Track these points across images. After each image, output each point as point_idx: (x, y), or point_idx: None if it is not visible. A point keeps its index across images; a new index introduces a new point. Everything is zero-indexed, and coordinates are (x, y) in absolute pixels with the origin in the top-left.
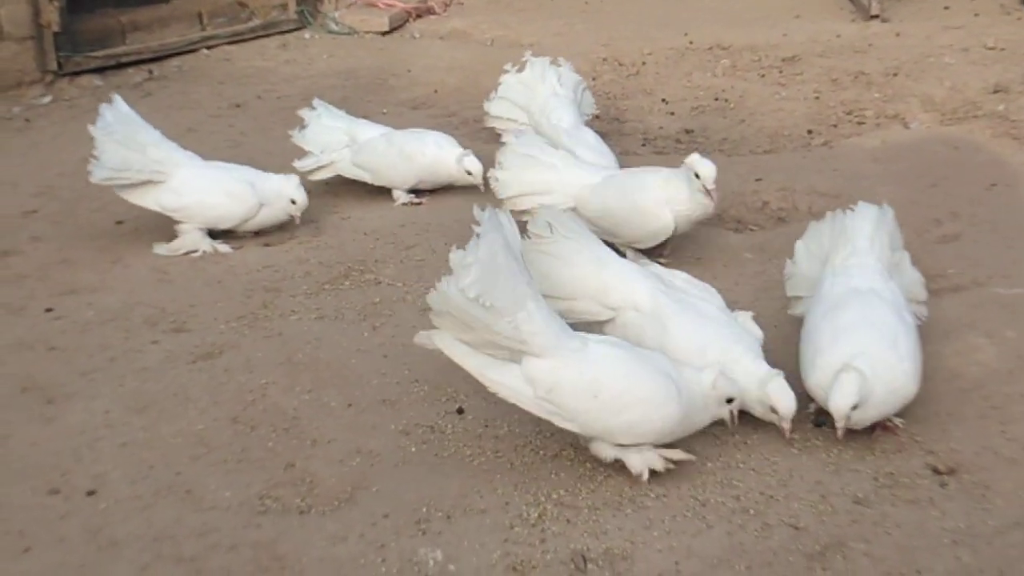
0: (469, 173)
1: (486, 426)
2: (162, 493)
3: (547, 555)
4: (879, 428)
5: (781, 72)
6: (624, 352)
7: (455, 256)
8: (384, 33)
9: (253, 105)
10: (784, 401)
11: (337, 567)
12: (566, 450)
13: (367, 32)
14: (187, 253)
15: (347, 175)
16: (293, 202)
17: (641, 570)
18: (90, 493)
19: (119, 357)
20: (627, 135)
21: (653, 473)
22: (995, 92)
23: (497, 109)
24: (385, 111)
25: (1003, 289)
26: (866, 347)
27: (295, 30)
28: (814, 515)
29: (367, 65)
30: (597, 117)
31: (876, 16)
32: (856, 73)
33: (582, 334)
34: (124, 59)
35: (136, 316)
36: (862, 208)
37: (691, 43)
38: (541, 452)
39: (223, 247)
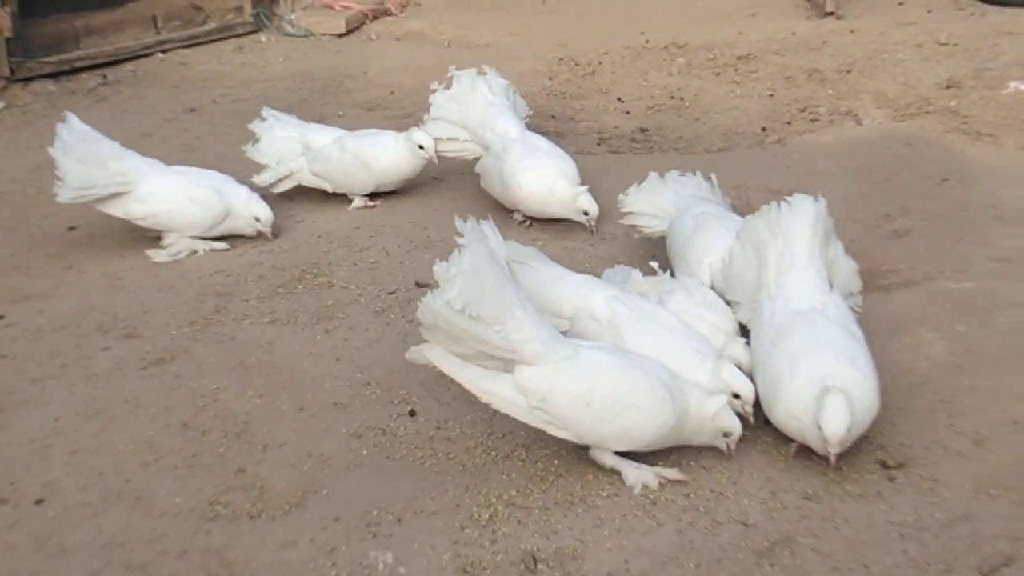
0: (421, 147)
1: (438, 428)
2: (112, 500)
3: (497, 556)
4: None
5: (736, 70)
6: (617, 358)
7: (439, 269)
8: (341, 35)
9: (208, 109)
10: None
11: (287, 572)
12: (517, 451)
13: (323, 34)
14: (187, 255)
15: (308, 184)
16: (257, 219)
17: (591, 569)
18: (39, 501)
19: (70, 364)
20: (582, 135)
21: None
22: (947, 88)
23: (434, 131)
24: (341, 113)
25: (953, 284)
26: (828, 369)
27: (251, 33)
28: (763, 512)
29: (323, 67)
30: (553, 117)
31: (831, 13)
32: (810, 70)
33: (575, 340)
34: (78, 64)
35: (88, 323)
36: (797, 203)
37: (647, 42)
38: (493, 453)
39: (220, 244)
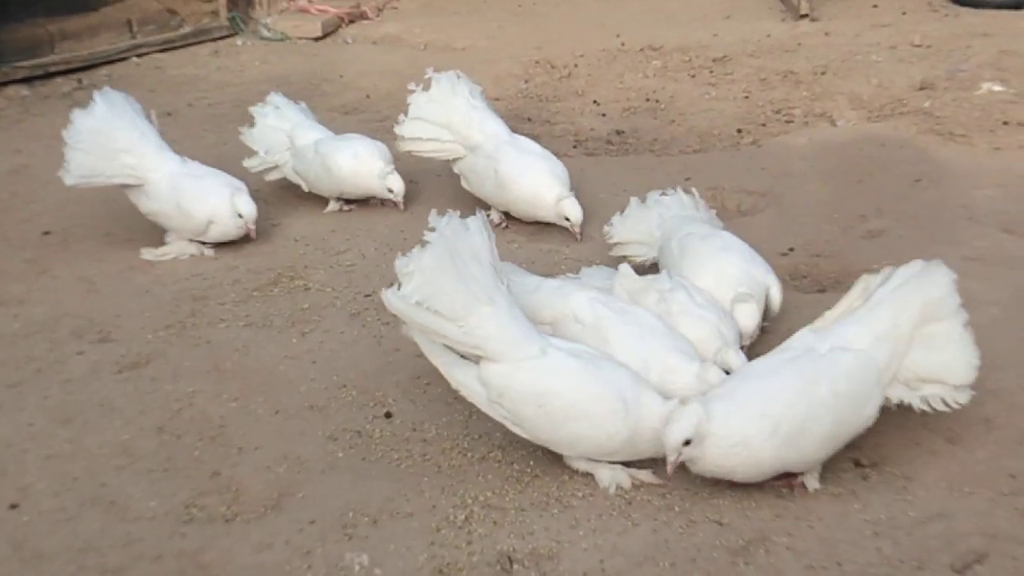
0: (390, 191)
1: (414, 430)
2: (87, 504)
3: (473, 557)
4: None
5: (712, 72)
6: (581, 364)
7: (399, 263)
8: (317, 39)
9: (184, 113)
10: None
11: (263, 574)
12: (494, 452)
13: (300, 38)
14: (175, 258)
15: (291, 179)
16: (240, 215)
17: (566, 569)
18: (13, 506)
19: (45, 368)
20: (558, 137)
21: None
22: (921, 89)
23: (411, 131)
24: (302, 106)
25: None
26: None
27: (227, 37)
28: (738, 511)
29: (299, 71)
30: (529, 120)
31: (806, 15)
32: (785, 72)
33: (549, 339)
34: (52, 69)
35: (62, 327)
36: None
37: (623, 45)
38: (469, 455)
39: (208, 251)
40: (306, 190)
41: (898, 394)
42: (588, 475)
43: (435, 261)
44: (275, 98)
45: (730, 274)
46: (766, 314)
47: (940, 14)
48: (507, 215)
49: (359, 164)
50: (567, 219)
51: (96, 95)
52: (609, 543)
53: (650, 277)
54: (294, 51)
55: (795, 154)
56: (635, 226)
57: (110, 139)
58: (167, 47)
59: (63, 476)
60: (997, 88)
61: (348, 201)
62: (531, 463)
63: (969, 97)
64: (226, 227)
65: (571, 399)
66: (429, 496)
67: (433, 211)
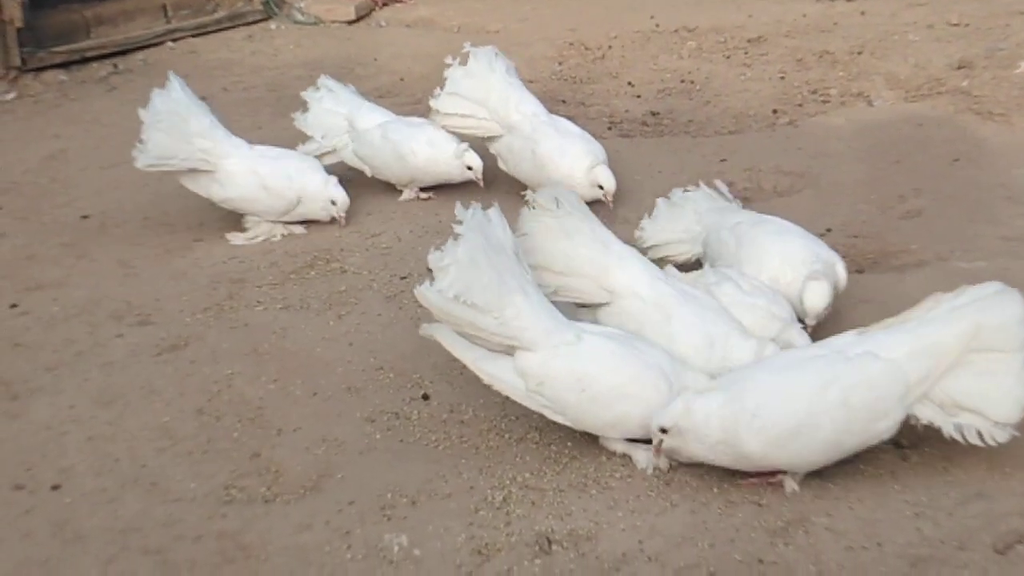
0: (469, 168)
1: (451, 411)
2: (128, 486)
3: (512, 537)
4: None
5: (747, 53)
6: (618, 346)
7: (433, 258)
8: (350, 22)
9: (219, 97)
10: None
11: (302, 555)
12: (531, 433)
13: (333, 21)
14: (265, 240)
15: (350, 164)
16: (333, 203)
17: (605, 549)
18: (55, 487)
19: (85, 352)
20: (593, 119)
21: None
22: (959, 68)
23: (447, 105)
24: (353, 89)
25: (965, 263)
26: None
27: (261, 21)
28: (778, 492)
29: (333, 55)
30: (563, 102)
31: None
32: (821, 52)
33: (580, 324)
34: (88, 54)
35: (101, 310)
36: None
37: (657, 26)
38: (506, 436)
39: (298, 229)
40: (369, 175)
41: (929, 415)
42: (626, 456)
43: (469, 254)
44: (326, 81)
45: (796, 255)
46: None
47: None
48: None
49: (435, 151)
50: (600, 187)
51: (171, 76)
52: (648, 524)
53: (694, 274)
54: (327, 35)
55: (832, 134)
56: (669, 225)
57: (186, 122)
58: (201, 31)
59: (104, 457)
60: None
61: (424, 188)
62: (569, 444)
63: (1008, 76)
64: (313, 205)
65: (613, 380)
66: (467, 477)
67: (458, 203)
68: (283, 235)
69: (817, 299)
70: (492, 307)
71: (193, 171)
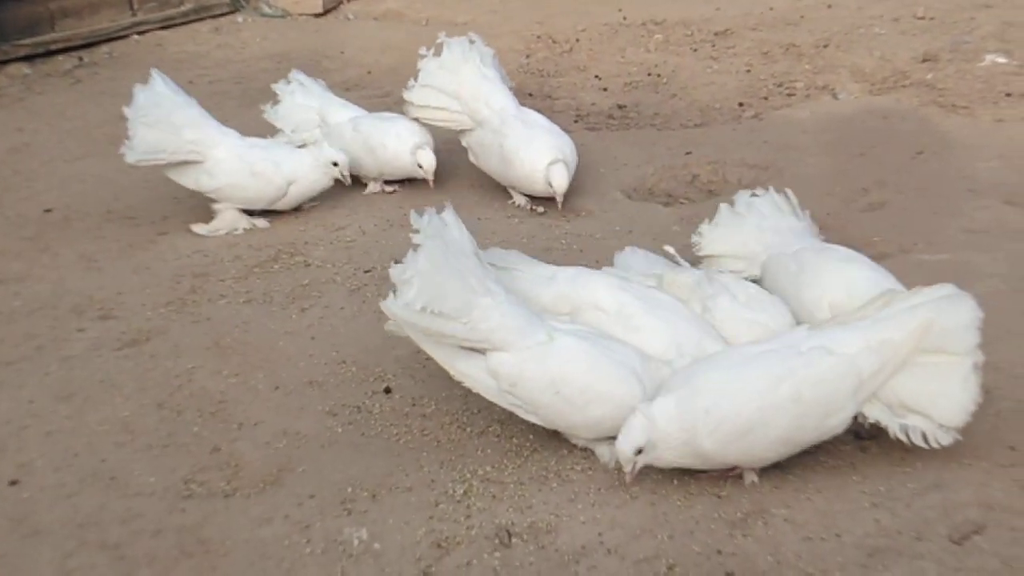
0: (420, 167)
1: (413, 405)
2: (87, 480)
3: (472, 531)
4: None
5: (714, 46)
6: (591, 345)
7: (395, 272)
8: (318, 15)
9: (185, 90)
10: None
11: (262, 549)
12: (493, 427)
13: (300, 14)
14: (227, 232)
15: None
16: (335, 164)
17: (565, 542)
18: (13, 483)
19: (45, 346)
20: (559, 112)
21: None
22: (923, 61)
23: (421, 97)
24: (324, 84)
25: (928, 255)
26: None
27: (228, 14)
28: (737, 484)
29: (300, 47)
30: (530, 95)
31: None
32: (787, 45)
33: (552, 324)
34: (53, 47)
35: (63, 305)
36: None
37: (625, 19)
38: (468, 429)
39: (261, 222)
40: None
41: (877, 414)
42: (587, 450)
43: (430, 263)
44: (298, 75)
45: (860, 286)
46: None
47: None
48: (531, 197)
49: (402, 144)
50: (551, 184)
51: (154, 72)
52: (608, 516)
53: (694, 278)
54: (295, 27)
55: (797, 127)
56: (729, 236)
57: (172, 114)
58: (168, 24)
59: (63, 452)
60: (1000, 60)
61: (388, 182)
62: (530, 437)
63: (972, 69)
64: (307, 184)
65: (589, 381)
66: (428, 471)
67: (412, 211)
68: (245, 229)
69: None
70: (460, 313)
71: (183, 163)
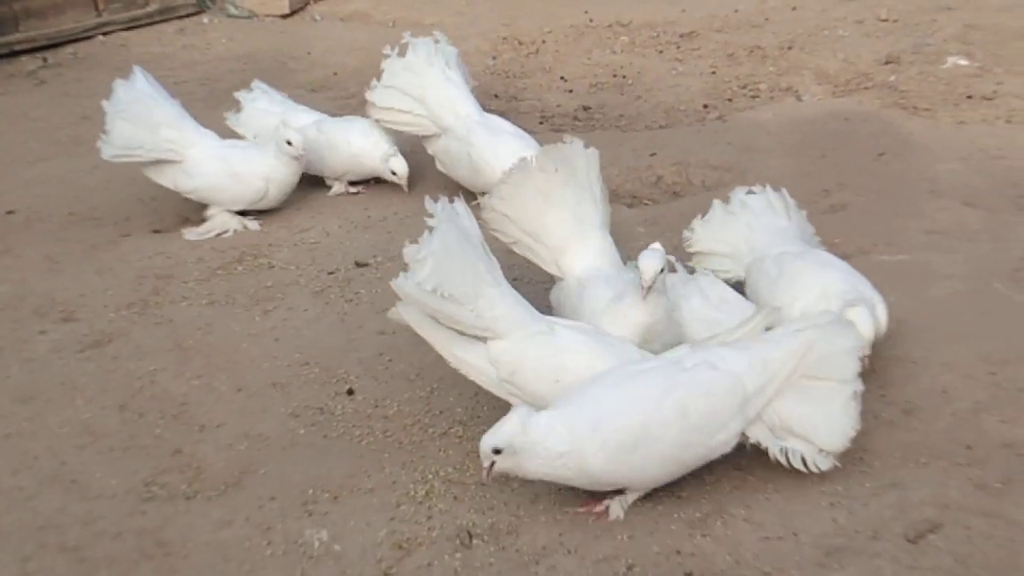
0: (393, 173)
1: (376, 406)
2: (46, 483)
3: (433, 532)
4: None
5: (679, 48)
6: (590, 338)
7: (409, 251)
8: (284, 16)
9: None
10: None
11: (222, 551)
12: (455, 428)
13: (267, 15)
14: (218, 235)
15: None
16: (289, 143)
17: (525, 543)
18: None
19: (6, 348)
20: (525, 113)
21: None
22: (886, 63)
23: (384, 99)
24: (285, 94)
25: (888, 256)
26: None
27: (193, 15)
28: (698, 485)
29: (266, 48)
30: (496, 96)
31: None
32: (752, 47)
33: (550, 318)
34: (17, 47)
35: (25, 307)
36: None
37: (591, 21)
38: (430, 430)
39: (252, 224)
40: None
41: (758, 435)
42: None
43: (444, 246)
44: (260, 84)
45: (835, 288)
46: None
47: None
48: None
49: (367, 142)
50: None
51: (135, 68)
52: (568, 517)
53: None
54: (261, 28)
55: (760, 129)
56: (719, 234)
57: (151, 111)
58: (133, 25)
59: (23, 455)
60: (962, 62)
61: (353, 183)
62: None
63: (934, 71)
64: (280, 180)
65: (587, 371)
66: (390, 472)
67: (427, 197)
68: (236, 230)
69: (864, 326)
70: (468, 299)
71: (160, 162)
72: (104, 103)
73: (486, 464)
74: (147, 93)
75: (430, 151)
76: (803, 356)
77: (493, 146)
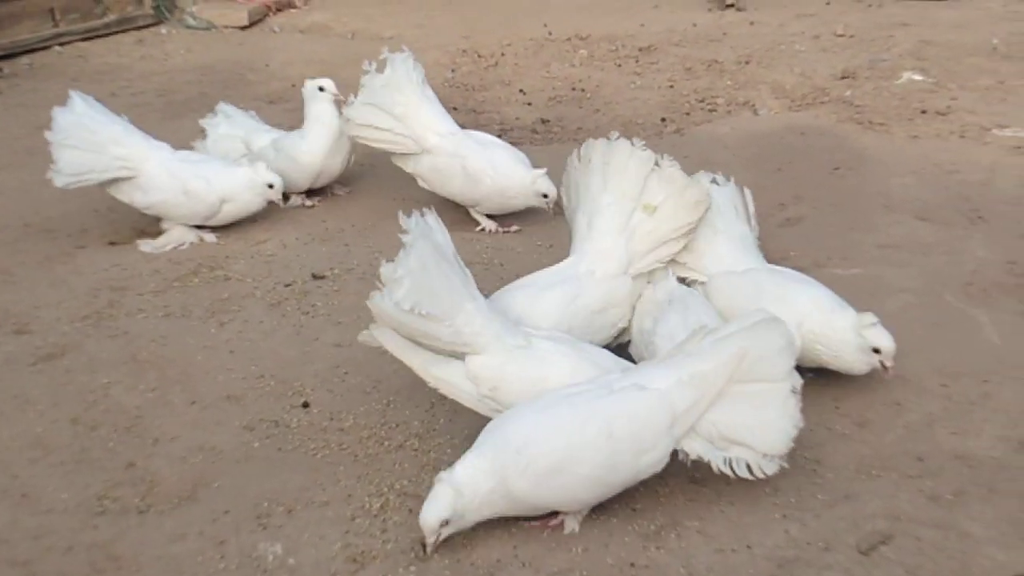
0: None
1: (331, 419)
2: None
3: (388, 545)
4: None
5: (637, 62)
6: (569, 348)
7: (385, 270)
8: (243, 28)
9: (108, 102)
10: None
11: (175, 565)
12: (410, 440)
13: (226, 27)
14: (175, 248)
15: None
16: (271, 186)
17: (480, 556)
18: None
19: None
20: (484, 126)
21: None
22: (842, 78)
23: (363, 116)
24: (242, 106)
25: (841, 270)
26: None
27: (152, 25)
28: (651, 497)
29: (225, 60)
30: (455, 109)
31: (731, 5)
32: (710, 62)
33: (526, 330)
34: None
35: None
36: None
37: (550, 34)
38: (386, 443)
39: (209, 236)
40: None
41: (698, 449)
42: None
43: (421, 263)
44: (224, 107)
45: (824, 299)
46: None
47: (863, 4)
48: (492, 217)
49: (321, 145)
50: (544, 195)
51: (72, 92)
52: (523, 530)
53: (664, 294)
54: (220, 40)
55: (717, 143)
56: None
57: (95, 132)
58: (90, 35)
59: None
60: (917, 77)
61: (309, 195)
62: (448, 451)
63: (889, 86)
64: (241, 204)
65: (567, 382)
66: (345, 485)
67: (400, 212)
68: (192, 243)
69: (886, 343)
70: (446, 315)
71: (116, 180)
72: (46, 134)
73: (431, 540)
74: (87, 115)
75: (409, 170)
76: (736, 365)
77: (488, 156)
